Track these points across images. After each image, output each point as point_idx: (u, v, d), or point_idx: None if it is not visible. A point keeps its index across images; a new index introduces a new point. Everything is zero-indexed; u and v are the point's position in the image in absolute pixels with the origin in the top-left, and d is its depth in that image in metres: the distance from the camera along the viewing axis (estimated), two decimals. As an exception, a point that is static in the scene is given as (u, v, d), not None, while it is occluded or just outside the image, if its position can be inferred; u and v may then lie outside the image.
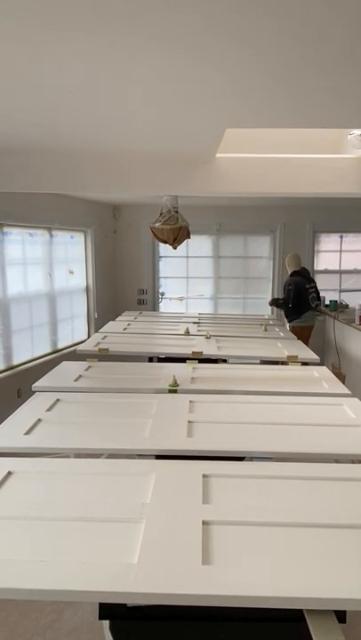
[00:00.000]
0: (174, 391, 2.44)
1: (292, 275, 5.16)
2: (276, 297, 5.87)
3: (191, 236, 4.42)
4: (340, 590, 1.06)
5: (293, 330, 4.96)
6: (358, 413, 2.12)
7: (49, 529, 1.28)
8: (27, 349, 4.85)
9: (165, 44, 1.48)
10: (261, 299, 6.50)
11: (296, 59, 1.58)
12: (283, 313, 5.35)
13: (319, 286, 5.35)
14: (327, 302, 5.35)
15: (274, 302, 5.38)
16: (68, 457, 2.00)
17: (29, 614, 2.21)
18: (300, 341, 3.68)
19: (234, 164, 3.19)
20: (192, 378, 2.68)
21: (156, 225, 4.14)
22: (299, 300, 4.97)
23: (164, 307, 6.84)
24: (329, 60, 1.59)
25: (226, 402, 2.29)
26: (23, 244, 4.79)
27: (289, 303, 5.01)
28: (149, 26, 1.36)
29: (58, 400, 2.28)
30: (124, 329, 4.17)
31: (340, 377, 4.53)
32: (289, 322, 5.20)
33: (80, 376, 2.71)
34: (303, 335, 4.85)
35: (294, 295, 4.96)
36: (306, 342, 5.01)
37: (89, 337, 5.35)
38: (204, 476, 1.56)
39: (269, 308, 6.24)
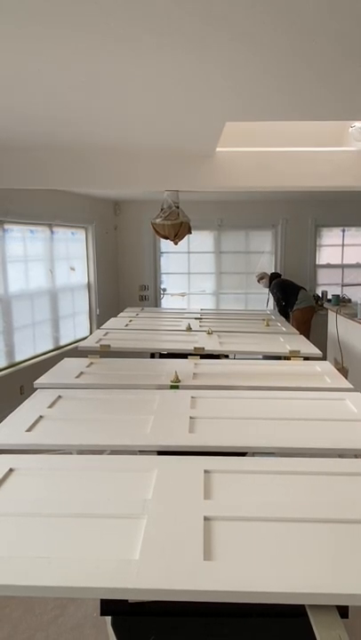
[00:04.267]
0: (176, 387, 2.44)
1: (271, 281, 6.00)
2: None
3: (192, 232, 4.42)
4: (342, 585, 1.06)
5: (295, 315, 5.60)
6: (361, 408, 2.12)
7: (50, 525, 1.28)
8: (29, 346, 4.86)
9: (165, 39, 1.46)
10: (263, 294, 6.48)
11: (295, 51, 1.56)
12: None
13: (321, 281, 5.62)
14: (329, 297, 5.35)
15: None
16: (69, 453, 2.00)
17: (33, 610, 2.22)
18: (302, 336, 3.66)
19: (234, 158, 3.16)
20: (194, 374, 2.67)
21: (157, 221, 4.13)
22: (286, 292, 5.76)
23: (166, 303, 6.84)
24: (328, 53, 1.57)
25: (228, 397, 2.28)
26: (24, 240, 4.78)
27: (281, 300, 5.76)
28: (150, 21, 1.34)
29: (59, 397, 2.28)
30: (126, 325, 4.16)
31: (343, 372, 4.51)
32: (292, 310, 5.71)
33: (82, 373, 2.71)
34: (306, 318, 5.59)
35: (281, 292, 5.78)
36: (308, 326, 5.35)
37: (91, 333, 5.35)
38: (205, 471, 1.55)
39: (271, 303, 6.24)
